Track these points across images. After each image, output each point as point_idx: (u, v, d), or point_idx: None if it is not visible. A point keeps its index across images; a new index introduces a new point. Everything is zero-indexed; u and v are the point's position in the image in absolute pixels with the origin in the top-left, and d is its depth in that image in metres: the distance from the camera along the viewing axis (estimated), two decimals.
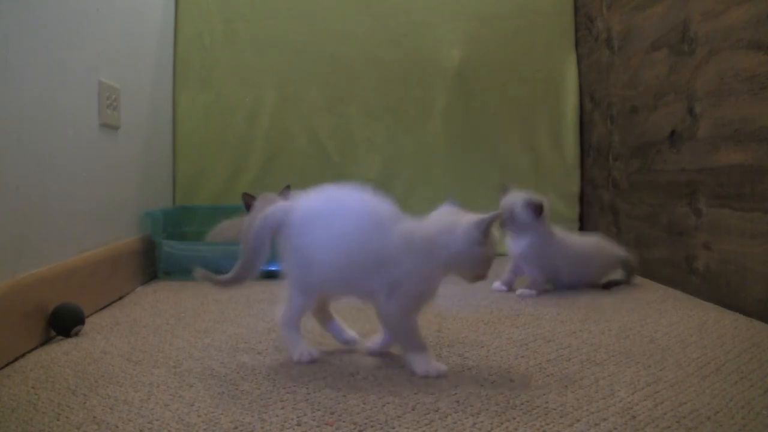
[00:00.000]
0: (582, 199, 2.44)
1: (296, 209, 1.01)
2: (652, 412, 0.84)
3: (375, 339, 1.10)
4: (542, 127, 2.45)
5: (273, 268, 1.88)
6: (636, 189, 1.96)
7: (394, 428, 0.79)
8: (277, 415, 0.83)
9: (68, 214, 1.37)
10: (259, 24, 2.44)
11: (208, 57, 2.42)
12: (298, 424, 0.81)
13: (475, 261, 1.01)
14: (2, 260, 1.10)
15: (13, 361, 1.07)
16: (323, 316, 1.13)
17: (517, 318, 1.37)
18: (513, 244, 1.65)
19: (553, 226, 1.68)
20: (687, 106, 1.61)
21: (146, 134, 2.00)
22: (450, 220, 1.01)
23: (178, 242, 1.93)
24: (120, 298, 1.61)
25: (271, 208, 1.04)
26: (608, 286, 1.70)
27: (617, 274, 1.74)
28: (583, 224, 2.40)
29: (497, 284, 1.69)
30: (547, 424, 0.80)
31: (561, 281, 1.68)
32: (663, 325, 1.29)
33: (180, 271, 1.91)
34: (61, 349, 1.14)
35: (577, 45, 2.46)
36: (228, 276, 1.06)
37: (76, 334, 1.23)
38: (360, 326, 1.28)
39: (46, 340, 1.20)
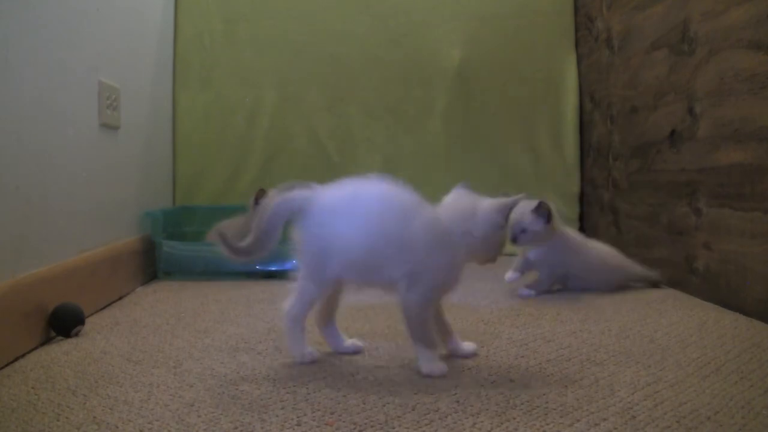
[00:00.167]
0: (582, 199, 2.44)
1: (316, 198, 1.00)
2: (652, 412, 0.84)
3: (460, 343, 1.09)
4: (542, 127, 2.45)
5: (273, 269, 1.90)
6: (636, 189, 1.96)
7: (394, 428, 0.79)
8: (277, 416, 0.83)
9: (68, 214, 1.37)
10: (259, 24, 2.44)
11: (208, 57, 2.42)
12: (298, 424, 0.81)
13: (493, 245, 1.02)
14: (2, 260, 1.10)
15: (13, 361, 1.07)
16: (325, 317, 1.11)
17: (517, 318, 1.37)
18: (527, 251, 1.62)
19: (567, 228, 1.65)
20: (687, 106, 1.61)
21: (146, 134, 2.00)
22: (468, 204, 1.02)
23: (178, 242, 1.93)
24: (120, 298, 1.61)
25: (290, 193, 1.02)
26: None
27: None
28: (583, 224, 2.40)
29: (510, 274, 1.64)
30: (547, 424, 0.80)
31: (573, 286, 1.66)
32: (663, 325, 1.29)
33: (180, 272, 1.91)
34: (61, 349, 1.14)
35: (577, 45, 2.46)
36: (240, 245, 1.05)
37: (76, 335, 1.23)
38: (360, 326, 1.29)
39: (46, 341, 1.20)
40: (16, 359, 1.08)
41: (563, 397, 0.89)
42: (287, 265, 1.87)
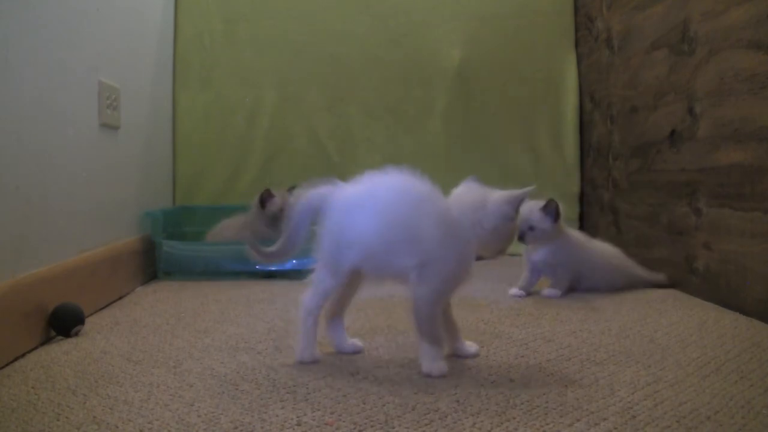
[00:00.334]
0: (582, 199, 2.44)
1: (336, 193, 1.03)
2: (652, 412, 0.84)
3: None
4: (542, 127, 2.45)
5: (273, 269, 1.90)
6: (636, 189, 1.96)
7: (394, 428, 0.79)
8: (276, 415, 0.83)
9: (68, 214, 1.37)
10: (259, 24, 2.44)
11: (208, 57, 2.42)
12: (298, 424, 0.81)
13: (503, 236, 1.02)
14: (2, 260, 1.10)
15: (13, 361, 1.07)
16: (335, 311, 1.11)
17: (517, 318, 1.37)
18: (533, 253, 1.61)
19: (569, 229, 1.65)
20: (687, 105, 1.61)
21: (146, 134, 2.00)
22: (478, 196, 1.02)
23: (178, 242, 1.93)
24: (120, 298, 1.61)
25: (312, 191, 1.05)
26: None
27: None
28: (583, 224, 2.40)
29: (514, 290, 1.61)
30: (547, 424, 0.80)
31: (580, 285, 1.65)
32: (663, 325, 1.29)
33: (180, 271, 1.91)
34: (61, 349, 1.14)
35: (577, 45, 2.46)
36: (271, 249, 1.10)
37: (76, 334, 1.23)
38: (360, 325, 1.29)
39: (46, 340, 1.20)
40: (16, 359, 1.08)
41: (563, 397, 0.89)
42: (287, 265, 1.89)
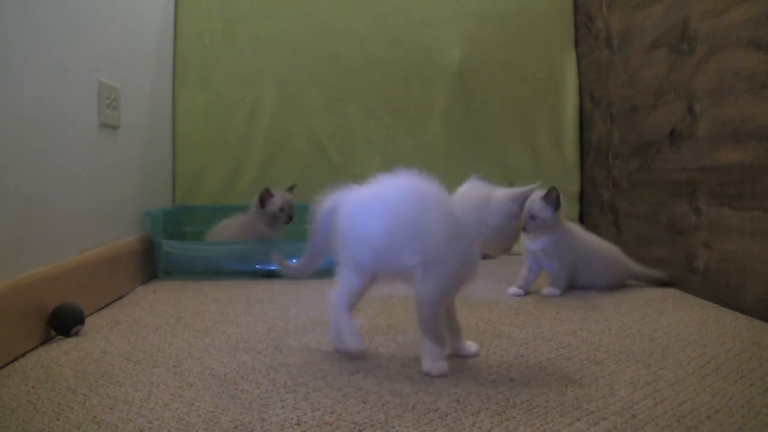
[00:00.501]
0: (582, 198, 2.44)
1: (347, 195, 1.06)
2: (652, 411, 0.84)
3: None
4: (542, 127, 2.45)
5: (273, 268, 1.90)
6: (636, 188, 1.96)
7: (393, 427, 0.79)
8: (276, 415, 0.83)
9: (68, 214, 1.37)
10: (259, 24, 2.44)
11: (208, 57, 2.42)
12: (298, 424, 0.81)
13: (509, 234, 1.03)
14: (2, 260, 1.10)
15: (13, 361, 1.07)
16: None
17: (516, 317, 1.37)
18: (531, 243, 1.62)
19: (566, 221, 1.66)
20: (687, 105, 1.61)
21: (146, 134, 2.00)
22: (482, 194, 1.03)
23: (178, 242, 1.93)
24: (120, 298, 1.61)
25: (327, 200, 1.09)
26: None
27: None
28: (583, 223, 2.39)
29: (513, 289, 1.62)
30: (547, 423, 0.80)
31: (577, 280, 1.66)
32: (663, 324, 1.29)
33: (180, 271, 1.91)
34: (61, 348, 1.14)
35: (576, 44, 2.46)
36: (299, 263, 1.16)
37: (76, 334, 1.23)
38: (360, 324, 1.28)
39: (46, 340, 1.20)
40: (16, 359, 1.08)
41: (563, 396, 0.89)
42: None
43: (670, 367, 1.02)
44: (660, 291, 1.64)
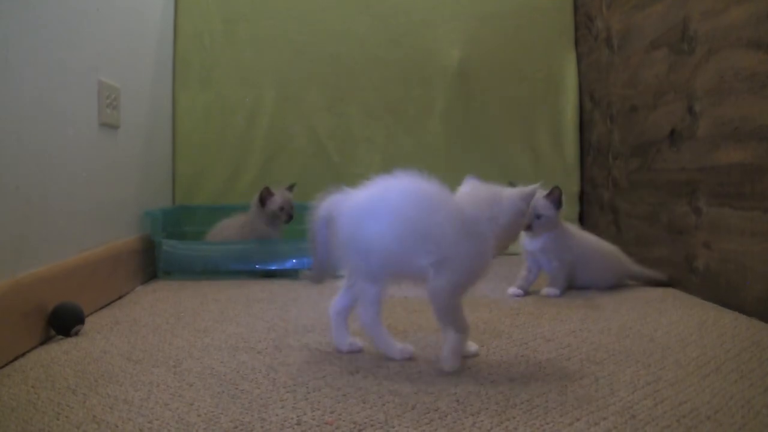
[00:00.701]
0: (582, 198, 2.44)
1: (344, 201, 1.04)
2: (651, 411, 0.84)
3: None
4: (542, 127, 2.45)
5: (272, 267, 1.90)
6: (636, 188, 1.96)
7: (393, 427, 0.79)
8: (276, 414, 0.83)
9: (68, 214, 1.37)
10: (259, 24, 2.44)
11: (208, 57, 2.42)
12: (298, 423, 0.81)
13: (515, 231, 1.06)
14: (2, 260, 1.10)
15: (13, 361, 1.07)
16: (343, 307, 1.11)
17: (516, 317, 1.37)
18: (530, 242, 1.62)
19: (564, 221, 1.66)
20: (687, 105, 1.61)
21: (146, 134, 2.00)
22: (492, 193, 1.05)
23: (178, 242, 1.93)
24: (120, 298, 1.61)
25: (322, 204, 1.06)
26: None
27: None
28: (583, 223, 2.40)
29: (513, 289, 1.63)
30: (547, 423, 0.80)
31: (575, 280, 1.66)
32: (663, 324, 1.29)
33: (179, 271, 1.91)
34: (61, 348, 1.14)
35: (576, 44, 2.46)
36: (310, 274, 1.13)
37: (76, 334, 1.23)
38: (360, 324, 1.28)
39: (46, 340, 1.20)
40: (16, 358, 1.08)
41: (563, 396, 0.89)
42: (287, 264, 1.89)
43: (669, 367, 1.02)
44: (660, 291, 1.64)
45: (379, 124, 2.45)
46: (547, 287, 1.62)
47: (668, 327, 1.27)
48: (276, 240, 1.97)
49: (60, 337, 1.22)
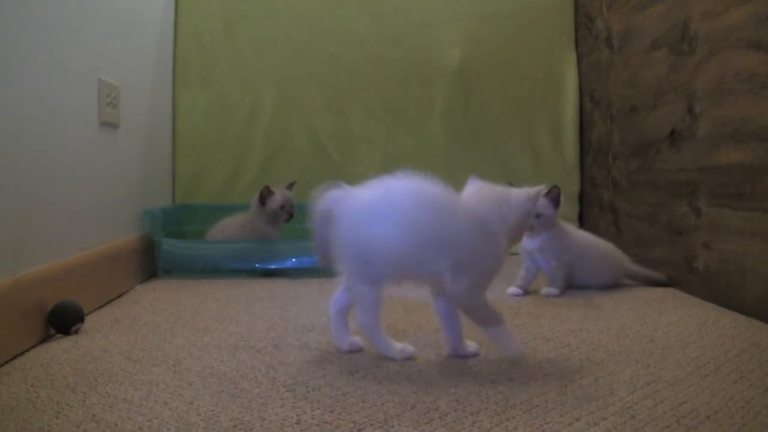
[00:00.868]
0: (582, 198, 2.44)
1: (347, 201, 1.02)
2: (651, 412, 0.84)
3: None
4: (542, 127, 2.45)
5: (272, 267, 1.90)
6: (636, 188, 1.96)
7: (393, 427, 0.79)
8: (276, 414, 0.83)
9: (68, 213, 1.37)
10: (259, 24, 2.44)
11: (208, 57, 2.42)
12: (298, 423, 0.81)
13: (522, 230, 1.08)
14: (2, 259, 1.10)
15: (12, 359, 1.07)
16: (343, 305, 1.10)
17: (516, 317, 1.37)
18: (529, 241, 1.63)
19: (562, 221, 1.67)
20: (687, 105, 1.61)
21: (146, 133, 2.00)
22: (500, 193, 1.06)
23: (178, 241, 1.93)
24: (119, 296, 1.61)
25: (321, 199, 1.04)
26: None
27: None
28: (583, 223, 2.40)
29: (512, 289, 1.63)
30: (547, 423, 0.80)
31: (574, 279, 1.67)
32: (662, 325, 1.29)
33: (179, 270, 1.91)
34: (61, 347, 1.14)
35: (577, 44, 2.46)
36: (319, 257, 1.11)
37: (76, 332, 1.23)
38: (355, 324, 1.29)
39: (46, 338, 1.20)
40: (16, 357, 1.08)
41: (562, 396, 0.89)
42: (287, 263, 1.89)
43: (669, 367, 1.02)
44: (659, 291, 1.64)
45: (379, 124, 2.45)
46: (546, 287, 1.62)
47: (668, 327, 1.27)
48: (276, 239, 1.97)
49: (60, 335, 1.22)
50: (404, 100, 2.45)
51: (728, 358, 1.06)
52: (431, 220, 0.99)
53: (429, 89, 2.45)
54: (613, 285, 1.69)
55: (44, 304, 1.19)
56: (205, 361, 1.06)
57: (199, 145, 2.39)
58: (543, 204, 1.56)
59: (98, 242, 1.54)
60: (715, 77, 1.48)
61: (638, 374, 0.98)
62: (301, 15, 2.45)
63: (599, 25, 2.25)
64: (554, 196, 1.57)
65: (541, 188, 1.08)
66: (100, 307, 1.48)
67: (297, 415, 0.83)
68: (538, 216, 1.56)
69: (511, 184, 1.16)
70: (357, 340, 1.11)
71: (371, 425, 0.80)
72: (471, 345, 1.09)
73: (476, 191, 1.06)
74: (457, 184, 1.08)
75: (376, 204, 1.00)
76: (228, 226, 2.02)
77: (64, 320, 1.21)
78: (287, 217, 1.98)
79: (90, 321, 1.33)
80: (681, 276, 1.65)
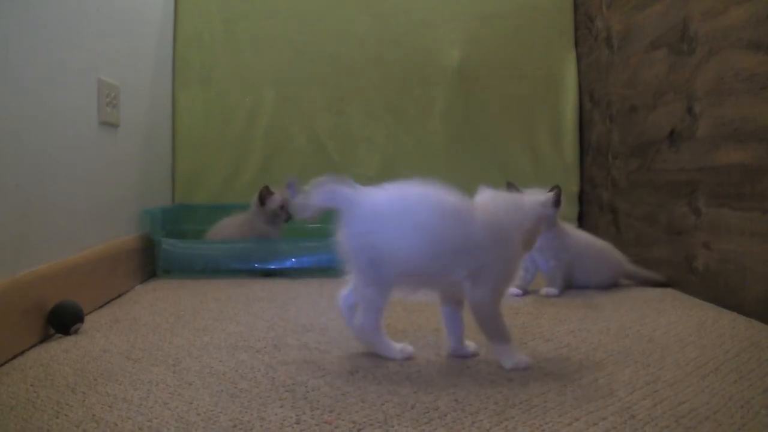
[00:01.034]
0: (581, 198, 2.44)
1: (360, 205, 1.00)
2: (650, 412, 0.84)
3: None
4: (542, 126, 2.45)
5: (272, 267, 1.90)
6: (635, 188, 1.96)
7: (393, 427, 0.79)
8: (276, 414, 0.83)
9: (68, 213, 1.37)
10: (259, 24, 2.44)
11: (208, 56, 2.42)
12: (297, 423, 0.81)
13: (536, 235, 1.09)
14: (2, 258, 1.10)
15: (12, 359, 1.07)
16: (353, 304, 1.10)
17: (515, 317, 1.37)
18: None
19: (561, 221, 1.67)
20: (686, 105, 1.61)
21: (146, 132, 2.00)
22: (515, 199, 1.08)
23: (178, 240, 1.93)
24: (119, 296, 1.61)
25: (331, 189, 1.01)
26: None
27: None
28: (583, 223, 2.40)
29: (512, 289, 1.61)
30: (546, 423, 0.80)
31: (572, 279, 1.67)
32: (662, 325, 1.29)
33: (179, 270, 1.91)
34: (61, 347, 1.14)
35: (576, 44, 2.46)
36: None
37: (76, 332, 1.23)
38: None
39: (46, 338, 1.20)
40: (16, 357, 1.08)
41: (562, 396, 0.89)
42: (287, 263, 1.89)
43: (668, 367, 1.02)
44: (659, 291, 1.64)
45: (379, 124, 2.45)
46: (546, 287, 1.62)
47: (667, 327, 1.27)
48: (276, 239, 1.97)
49: (59, 335, 1.22)
50: (404, 100, 2.45)
51: (727, 358, 1.06)
52: (451, 228, 0.98)
53: (429, 89, 2.45)
54: (611, 285, 1.70)
55: (44, 303, 1.19)
56: (204, 361, 1.06)
57: (199, 145, 2.39)
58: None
59: (98, 242, 1.54)
60: (714, 77, 1.48)
61: (638, 374, 0.99)
62: (301, 15, 2.45)
63: (599, 25, 2.25)
64: (555, 197, 1.57)
65: (552, 194, 1.12)
66: (100, 306, 1.48)
67: (296, 415, 0.83)
68: None
69: (510, 184, 1.16)
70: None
71: (371, 425, 0.80)
72: (470, 345, 1.09)
73: (491, 199, 1.06)
74: (457, 184, 1.07)
75: (392, 211, 0.99)
76: (228, 226, 2.02)
77: (63, 320, 1.21)
78: (287, 217, 1.98)
79: (90, 321, 1.33)
80: (680, 276, 1.65)
